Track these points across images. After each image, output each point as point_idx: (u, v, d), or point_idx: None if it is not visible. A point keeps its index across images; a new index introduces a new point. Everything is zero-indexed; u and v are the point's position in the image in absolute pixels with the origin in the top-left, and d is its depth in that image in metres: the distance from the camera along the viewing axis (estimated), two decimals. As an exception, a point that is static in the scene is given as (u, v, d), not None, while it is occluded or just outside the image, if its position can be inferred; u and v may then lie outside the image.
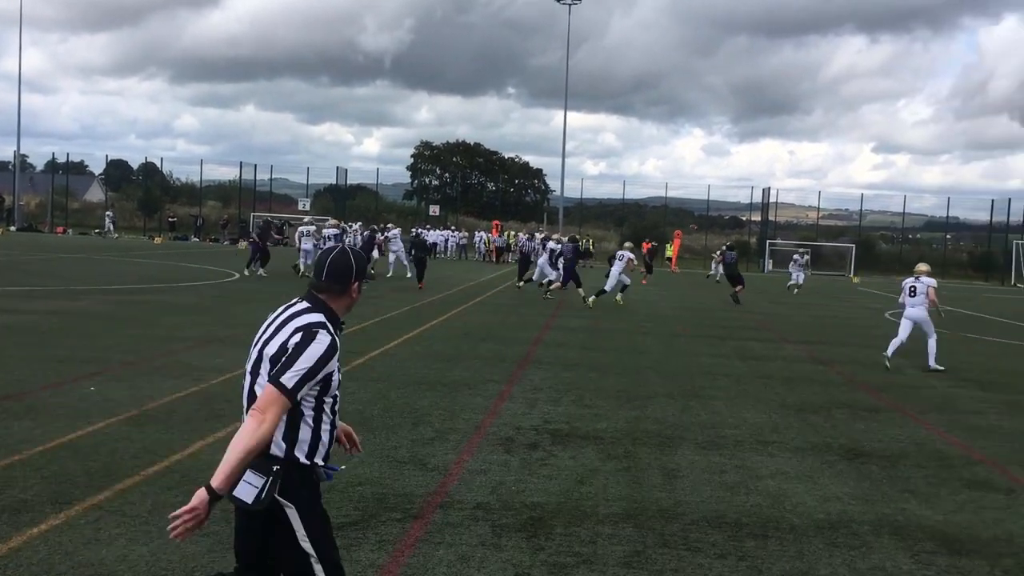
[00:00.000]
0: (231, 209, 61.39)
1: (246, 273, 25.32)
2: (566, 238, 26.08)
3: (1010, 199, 59.84)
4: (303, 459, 3.04)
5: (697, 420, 8.75)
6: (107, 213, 53.89)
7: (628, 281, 22.30)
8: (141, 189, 68.13)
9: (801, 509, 6.05)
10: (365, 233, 31.61)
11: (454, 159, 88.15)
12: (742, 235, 67.09)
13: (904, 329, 13.46)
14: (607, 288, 21.64)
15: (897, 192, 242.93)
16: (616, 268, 21.90)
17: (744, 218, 74.76)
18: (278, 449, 3.01)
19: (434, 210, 65.24)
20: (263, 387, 2.99)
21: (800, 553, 5.21)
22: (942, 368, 13.02)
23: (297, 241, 28.15)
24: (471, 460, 6.82)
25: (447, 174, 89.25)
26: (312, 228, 26.73)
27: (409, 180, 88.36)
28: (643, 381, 10.95)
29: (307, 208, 57.57)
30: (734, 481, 6.67)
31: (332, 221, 25.66)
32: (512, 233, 51.06)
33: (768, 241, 56.77)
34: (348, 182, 67.82)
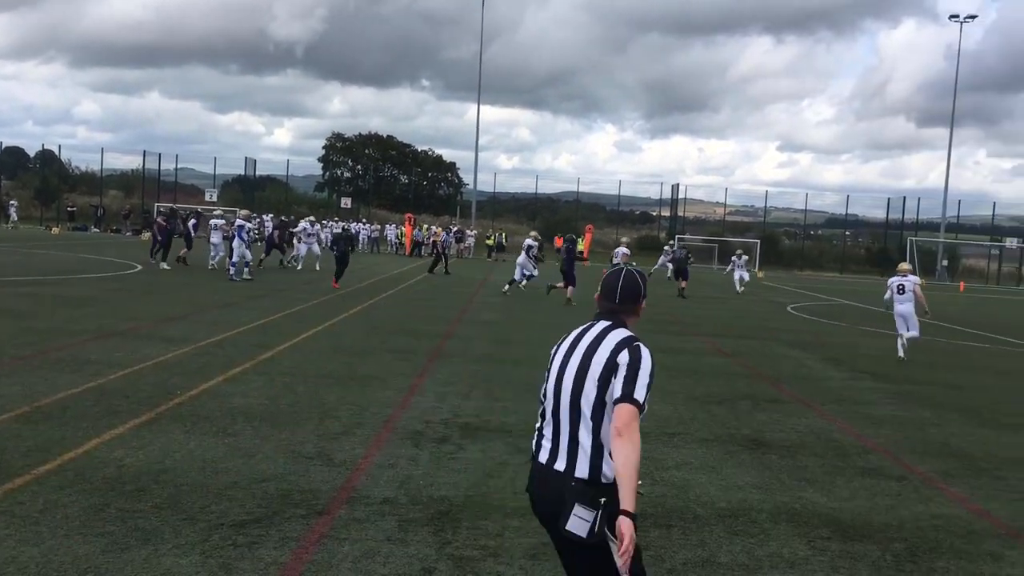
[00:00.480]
0: (134, 199, 59.58)
1: (164, 266, 24.64)
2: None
3: (904, 197, 62.76)
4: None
5: (605, 412, 8.85)
6: (11, 202, 51.72)
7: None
8: (38, 177, 65.47)
9: (704, 498, 6.19)
10: (270, 225, 31.06)
11: (367, 151, 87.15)
12: (652, 230, 68.30)
13: (900, 325, 14.96)
14: None
15: (800, 190, 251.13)
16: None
17: (654, 213, 76.09)
18: (609, 472, 3.06)
19: (346, 203, 64.47)
20: (590, 405, 3.06)
21: (702, 541, 5.32)
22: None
23: (191, 231, 27.47)
24: (379, 455, 6.76)
25: (359, 166, 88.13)
26: (222, 222, 26.12)
27: (321, 172, 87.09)
28: (553, 374, 11.01)
29: (214, 199, 56.22)
30: (640, 472, 6.76)
31: (244, 212, 25.08)
32: (426, 227, 50.93)
33: (677, 236, 57.90)
34: (257, 173, 66.57)
